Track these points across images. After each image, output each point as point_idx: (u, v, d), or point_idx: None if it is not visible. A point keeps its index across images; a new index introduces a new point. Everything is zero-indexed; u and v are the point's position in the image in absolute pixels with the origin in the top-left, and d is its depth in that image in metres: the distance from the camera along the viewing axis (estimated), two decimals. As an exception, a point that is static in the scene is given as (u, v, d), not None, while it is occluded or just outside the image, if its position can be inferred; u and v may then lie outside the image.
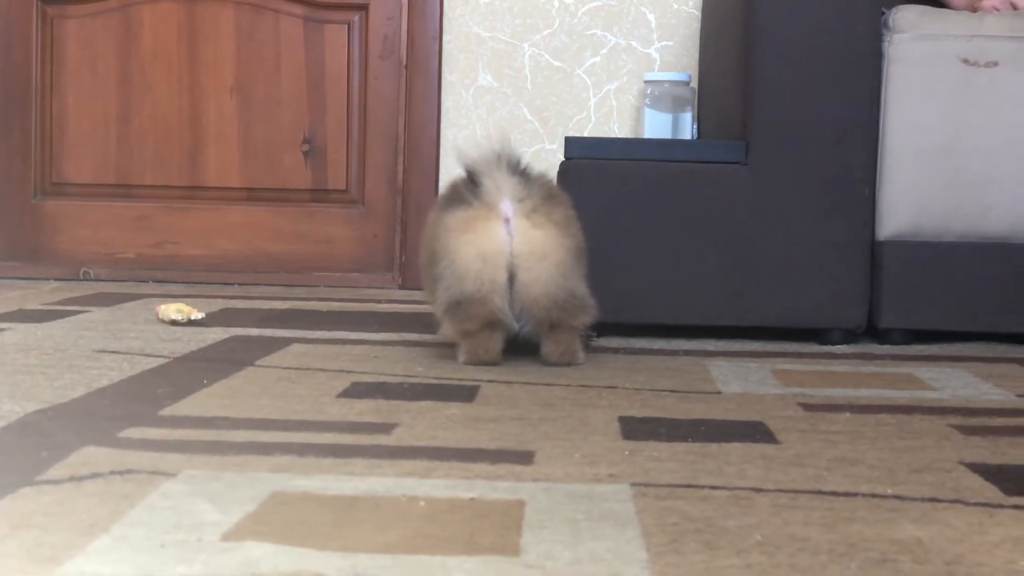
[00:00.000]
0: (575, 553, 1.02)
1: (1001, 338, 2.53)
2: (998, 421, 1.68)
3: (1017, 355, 2.36)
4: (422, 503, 1.17)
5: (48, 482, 1.21)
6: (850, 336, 2.48)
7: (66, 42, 3.64)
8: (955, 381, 2.02)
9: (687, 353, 2.28)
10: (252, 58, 3.62)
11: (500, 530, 1.08)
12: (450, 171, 3.50)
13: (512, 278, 2.02)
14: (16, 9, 3.64)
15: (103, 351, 2.10)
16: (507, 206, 2.03)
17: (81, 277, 3.58)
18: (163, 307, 2.52)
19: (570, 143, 2.50)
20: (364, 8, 3.59)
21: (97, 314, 2.65)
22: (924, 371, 2.13)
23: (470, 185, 2.06)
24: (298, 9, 3.61)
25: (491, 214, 2.03)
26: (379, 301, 3.16)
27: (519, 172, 2.06)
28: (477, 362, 2.08)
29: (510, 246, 2.01)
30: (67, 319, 2.54)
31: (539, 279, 2.02)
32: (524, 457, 1.38)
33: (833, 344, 2.46)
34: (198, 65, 3.62)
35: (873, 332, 2.51)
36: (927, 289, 2.48)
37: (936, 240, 2.48)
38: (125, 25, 3.63)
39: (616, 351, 2.29)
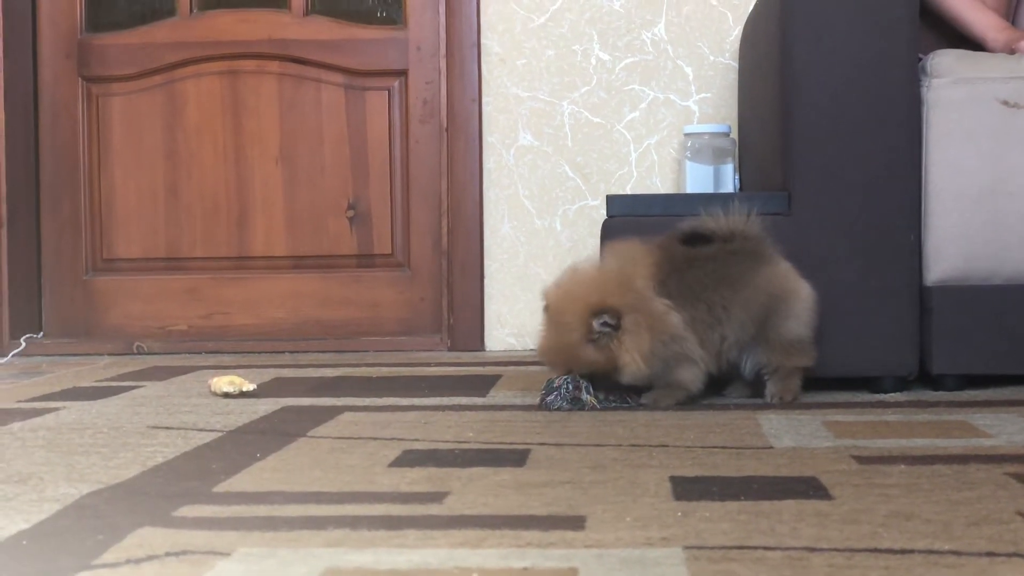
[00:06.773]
0: (629, 622, 1.02)
1: (1055, 380, 2.50)
2: (1055, 467, 1.66)
3: (1073, 396, 2.33)
4: (475, 575, 1.17)
5: (105, 566, 1.22)
6: (902, 383, 2.46)
7: (112, 119, 3.70)
8: (1010, 427, 2.00)
9: (737, 407, 2.27)
10: (295, 127, 3.66)
11: (554, 601, 1.08)
12: (494, 231, 3.51)
13: None
14: (61, 88, 3.70)
15: (157, 427, 2.12)
16: None
17: (135, 351, 3.61)
18: (215, 380, 2.54)
19: (612, 201, 2.51)
20: (403, 74, 3.63)
21: (151, 389, 2.68)
22: (978, 417, 2.11)
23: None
24: (339, 77, 3.65)
25: None
26: (428, 364, 3.17)
27: None
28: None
29: None
30: (121, 395, 2.57)
31: None
32: (576, 522, 1.38)
33: (885, 392, 2.44)
34: (243, 136, 3.67)
35: (925, 378, 2.49)
36: (978, 333, 2.45)
37: (985, 283, 2.46)
38: (169, 100, 3.69)
39: (665, 407, 2.28)
